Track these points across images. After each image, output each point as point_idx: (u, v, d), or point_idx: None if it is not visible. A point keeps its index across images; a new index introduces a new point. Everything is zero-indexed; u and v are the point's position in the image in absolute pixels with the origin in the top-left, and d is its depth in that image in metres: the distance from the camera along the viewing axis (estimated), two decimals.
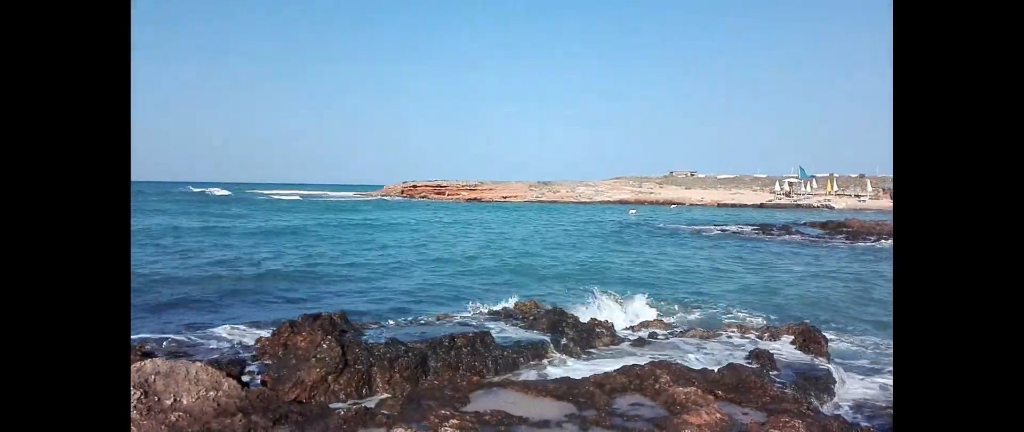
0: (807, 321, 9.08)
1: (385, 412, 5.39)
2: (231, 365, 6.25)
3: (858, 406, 6.17)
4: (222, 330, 8.83)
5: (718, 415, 5.15)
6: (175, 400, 5.11)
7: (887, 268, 16.56)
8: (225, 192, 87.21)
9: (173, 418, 4.90)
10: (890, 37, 2.61)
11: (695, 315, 10.96)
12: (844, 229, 29.39)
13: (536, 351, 7.38)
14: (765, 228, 31.85)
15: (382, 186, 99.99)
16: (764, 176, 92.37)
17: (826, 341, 8.12)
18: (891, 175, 2.85)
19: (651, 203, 70.14)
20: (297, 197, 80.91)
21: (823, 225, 32.08)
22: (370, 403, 5.69)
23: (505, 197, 76.05)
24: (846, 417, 5.55)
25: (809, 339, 8.06)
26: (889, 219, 27.78)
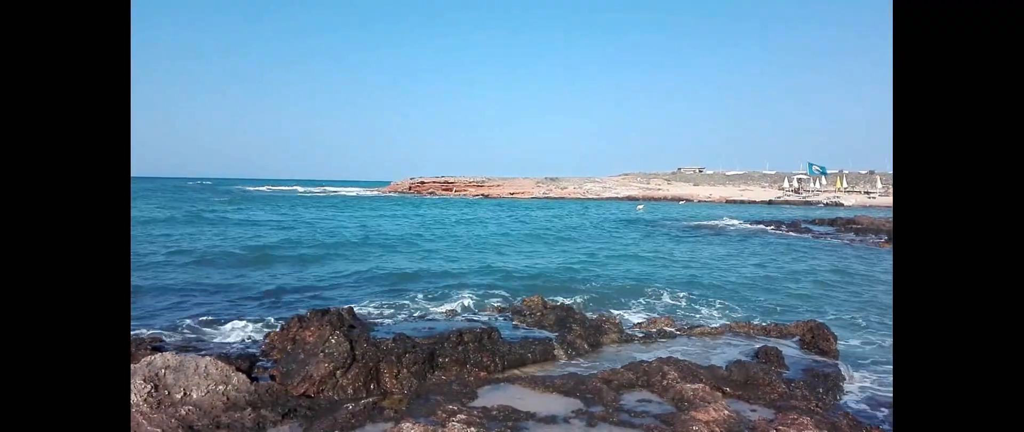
0: (816, 319, 9.02)
1: (393, 407, 5.42)
2: (240, 360, 6.30)
3: (867, 403, 6.13)
4: (232, 324, 8.88)
5: (726, 412, 5.13)
6: (185, 394, 5.15)
7: None
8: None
9: (183, 412, 4.94)
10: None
11: (703, 312, 10.93)
12: (853, 226, 29.18)
13: (543, 347, 7.38)
14: (774, 225, 31.68)
15: (388, 182, 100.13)
16: (773, 172, 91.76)
17: (835, 338, 8.07)
18: None
19: (659, 199, 69.91)
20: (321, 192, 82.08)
21: (832, 222, 31.86)
22: (378, 398, 5.72)
23: (512, 193, 76.01)
24: (855, 414, 5.51)
25: (818, 336, 8.02)
26: None
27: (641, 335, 8.51)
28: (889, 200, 62.86)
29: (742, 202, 66.95)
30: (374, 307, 10.44)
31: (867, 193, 72.11)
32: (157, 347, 6.63)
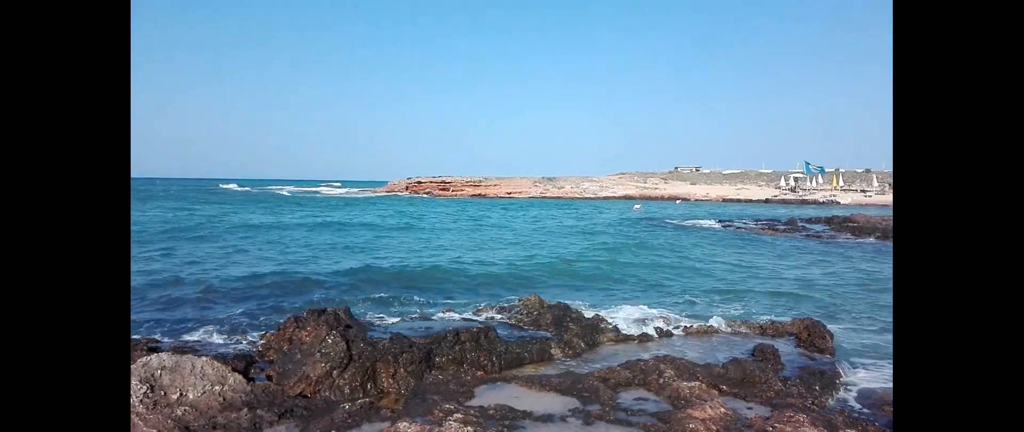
0: (812, 316, 9.05)
1: (389, 406, 5.42)
2: (236, 360, 6.29)
3: (863, 400, 6.14)
4: (229, 325, 8.86)
5: (722, 410, 5.14)
6: (181, 395, 5.14)
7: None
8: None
9: (179, 412, 4.93)
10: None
11: (699, 310, 10.94)
12: (850, 225, 29.24)
13: (540, 346, 7.39)
14: (770, 224, 31.74)
15: (386, 182, 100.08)
16: (770, 171, 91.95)
17: (831, 336, 8.10)
18: None
19: (656, 198, 69.98)
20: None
21: (828, 221, 31.91)
22: (375, 397, 5.71)
23: (509, 193, 76.01)
24: (851, 411, 5.53)
25: (814, 334, 8.04)
26: None
27: (638, 334, 8.52)
28: (885, 198, 63.07)
29: (739, 201, 67.09)
30: (371, 307, 10.43)
31: (863, 191, 72.32)
32: (153, 347, 6.61)
